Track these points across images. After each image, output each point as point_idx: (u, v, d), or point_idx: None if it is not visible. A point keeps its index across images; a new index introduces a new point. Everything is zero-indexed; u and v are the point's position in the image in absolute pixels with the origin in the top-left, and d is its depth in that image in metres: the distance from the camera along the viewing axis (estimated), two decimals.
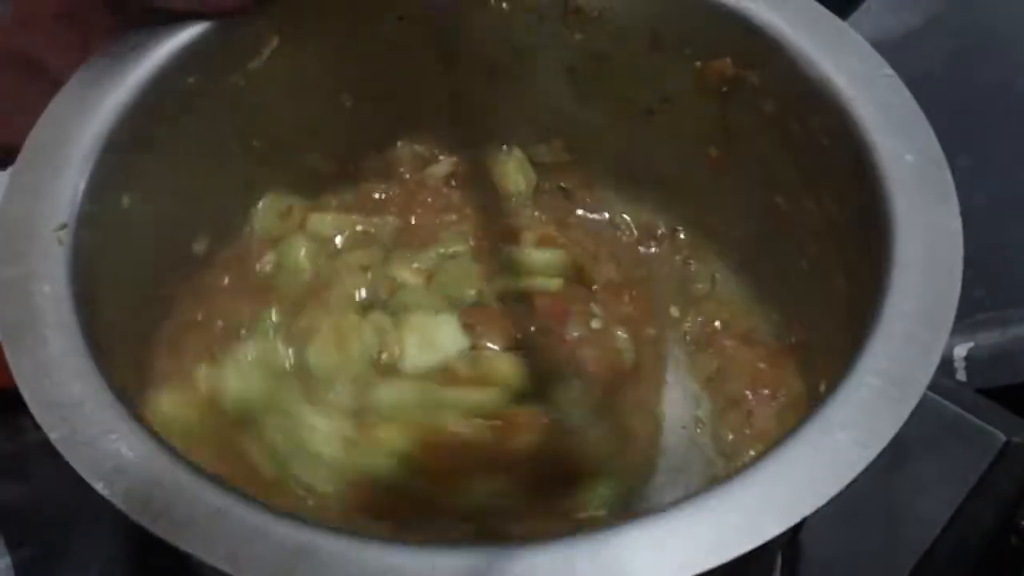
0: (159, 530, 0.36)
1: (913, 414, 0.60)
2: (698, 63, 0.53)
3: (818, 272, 0.50)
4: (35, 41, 0.49)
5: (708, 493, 0.36)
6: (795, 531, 0.57)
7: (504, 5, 0.56)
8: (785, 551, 0.58)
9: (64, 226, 0.43)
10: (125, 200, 0.48)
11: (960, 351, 0.69)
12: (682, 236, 0.62)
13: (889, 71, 0.48)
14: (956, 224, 0.43)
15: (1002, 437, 0.61)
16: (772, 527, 0.35)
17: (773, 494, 0.36)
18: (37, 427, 0.64)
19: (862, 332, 0.40)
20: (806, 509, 0.36)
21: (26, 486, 0.62)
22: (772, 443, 0.38)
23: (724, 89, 0.53)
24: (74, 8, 0.49)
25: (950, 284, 0.41)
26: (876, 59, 0.48)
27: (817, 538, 0.59)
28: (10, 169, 0.45)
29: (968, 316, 0.69)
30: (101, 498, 0.59)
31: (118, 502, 0.36)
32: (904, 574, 0.58)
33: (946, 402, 0.63)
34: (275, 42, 0.53)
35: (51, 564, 0.59)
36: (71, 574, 0.59)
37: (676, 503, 0.36)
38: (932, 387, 0.61)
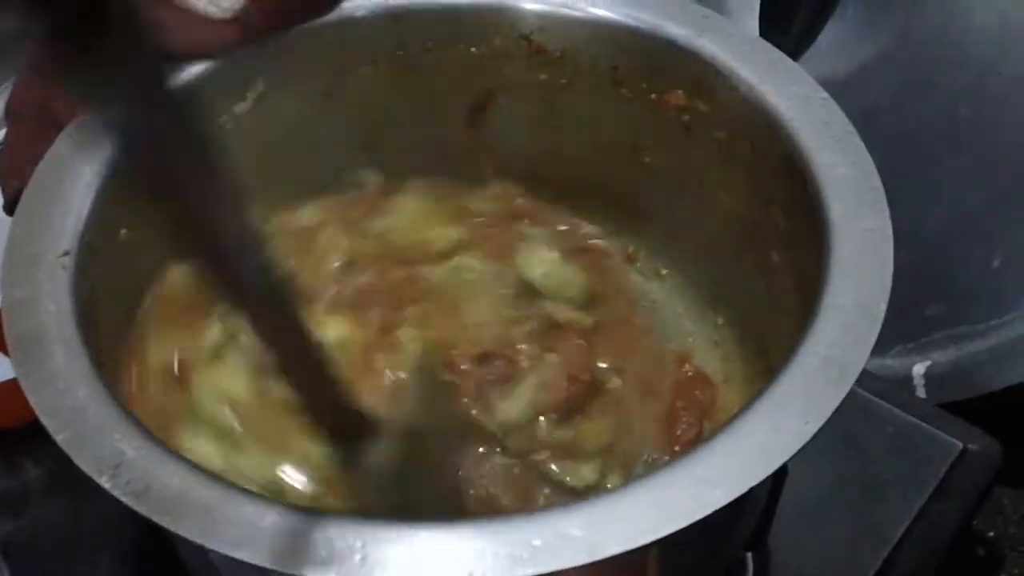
0: (159, 519, 0.38)
1: (874, 425, 0.65)
2: (653, 96, 0.58)
3: (769, 277, 0.54)
4: (49, 91, 0.53)
5: (666, 467, 0.40)
6: (763, 534, 0.61)
7: (472, 50, 0.60)
8: (755, 556, 0.61)
9: (67, 253, 0.47)
10: (123, 233, 0.52)
11: (919, 369, 0.73)
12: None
13: (824, 94, 0.52)
14: (887, 228, 0.47)
15: (959, 445, 0.64)
16: (723, 496, 0.39)
17: (724, 466, 0.39)
18: (36, 464, 0.67)
19: (804, 323, 0.44)
20: (754, 479, 0.39)
21: (28, 520, 0.65)
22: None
23: (685, 119, 0.57)
24: None
25: (882, 280, 0.45)
26: (812, 84, 0.53)
27: (785, 543, 0.62)
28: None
29: (924, 335, 0.73)
30: (100, 529, 0.63)
31: (119, 495, 0.39)
32: (870, 574, 0.60)
33: (904, 413, 0.66)
34: (260, 86, 0.57)
35: None
36: None
37: (636, 478, 0.40)
38: (891, 400, 0.66)
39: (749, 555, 0.61)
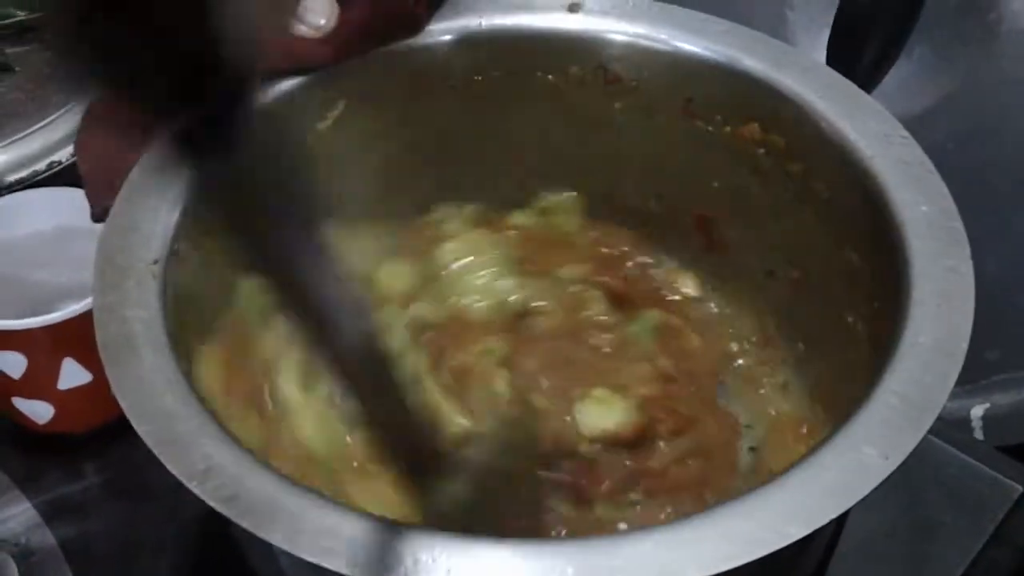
0: (246, 524, 0.39)
1: (932, 465, 0.65)
2: (728, 128, 0.58)
3: (838, 312, 0.54)
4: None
5: (742, 498, 0.40)
6: (821, 572, 0.61)
7: (549, 77, 0.61)
8: None
9: (156, 262, 0.48)
10: (207, 243, 0.53)
11: (977, 411, 0.73)
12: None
13: (904, 132, 0.53)
14: (967, 267, 0.47)
15: (1018, 488, 0.64)
16: (799, 529, 0.39)
17: (801, 499, 0.40)
18: (98, 471, 0.68)
19: (883, 360, 0.44)
20: (831, 514, 0.39)
21: (89, 526, 0.66)
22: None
23: (760, 152, 0.58)
24: None
25: (963, 319, 0.45)
26: (892, 121, 0.53)
27: None
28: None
29: (984, 378, 0.73)
30: (160, 537, 0.64)
31: (208, 499, 0.40)
32: None
33: (963, 455, 0.66)
34: (341, 106, 0.58)
35: None
36: None
37: (713, 507, 0.40)
38: (949, 440, 0.66)
39: None
